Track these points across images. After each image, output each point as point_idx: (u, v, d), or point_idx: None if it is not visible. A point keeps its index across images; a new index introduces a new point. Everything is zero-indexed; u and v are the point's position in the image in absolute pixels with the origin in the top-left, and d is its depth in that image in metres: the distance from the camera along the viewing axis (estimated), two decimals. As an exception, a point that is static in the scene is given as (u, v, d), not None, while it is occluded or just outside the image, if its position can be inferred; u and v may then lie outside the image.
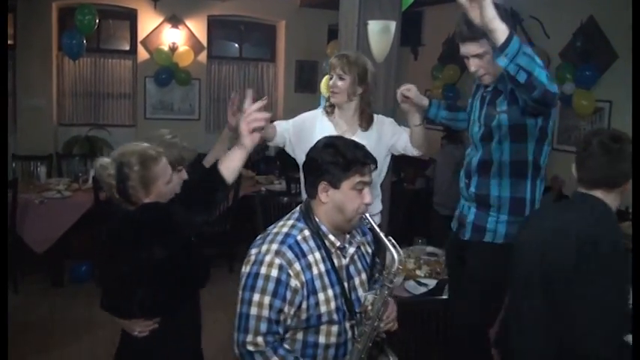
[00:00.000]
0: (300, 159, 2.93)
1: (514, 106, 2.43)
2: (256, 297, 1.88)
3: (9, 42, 7.59)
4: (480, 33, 2.27)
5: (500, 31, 2.00)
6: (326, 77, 3.45)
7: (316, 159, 1.99)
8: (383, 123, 3.14)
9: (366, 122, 3.06)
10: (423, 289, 3.15)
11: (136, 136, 8.18)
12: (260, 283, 1.88)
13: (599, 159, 2.00)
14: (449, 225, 2.92)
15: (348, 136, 2.76)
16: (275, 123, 3.17)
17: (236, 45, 9.14)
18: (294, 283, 1.88)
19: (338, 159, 1.93)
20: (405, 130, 3.10)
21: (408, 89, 2.83)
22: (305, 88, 9.02)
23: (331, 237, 2.01)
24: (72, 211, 5.34)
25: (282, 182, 6.40)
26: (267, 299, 1.87)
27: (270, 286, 1.87)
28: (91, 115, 8.22)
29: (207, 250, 5.91)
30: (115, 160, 2.12)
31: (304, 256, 1.94)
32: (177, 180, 2.32)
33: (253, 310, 1.88)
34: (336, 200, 1.96)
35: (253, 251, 1.95)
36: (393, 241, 1.99)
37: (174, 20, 8.14)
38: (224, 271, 5.96)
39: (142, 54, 8.18)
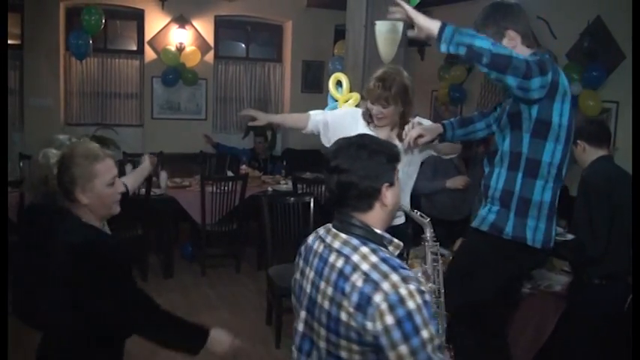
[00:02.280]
0: None
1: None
2: (425, 334, 1.56)
3: (16, 42, 7.65)
4: (482, 31, 2.43)
5: (434, 26, 2.24)
6: (334, 76, 3.47)
7: (371, 164, 1.70)
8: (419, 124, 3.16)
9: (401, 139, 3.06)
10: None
11: (143, 135, 8.22)
12: (417, 319, 1.56)
13: None
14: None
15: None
16: (311, 113, 3.19)
17: (243, 45, 9.15)
18: (429, 297, 1.67)
19: (386, 156, 1.75)
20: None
21: (419, 134, 2.81)
22: (311, 88, 9.04)
23: (395, 241, 1.81)
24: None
25: (288, 182, 6.40)
26: (431, 328, 1.59)
27: (425, 313, 1.58)
28: (98, 114, 8.23)
29: (213, 250, 6.00)
30: (60, 151, 2.07)
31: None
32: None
33: (429, 349, 1.57)
34: (394, 197, 1.76)
35: (378, 299, 1.56)
36: (417, 212, 2.15)
37: (182, 20, 8.17)
38: (231, 271, 6.00)
39: (149, 54, 8.21)
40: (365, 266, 1.63)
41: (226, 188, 5.80)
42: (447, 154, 3.13)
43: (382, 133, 3.09)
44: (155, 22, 8.13)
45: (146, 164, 3.19)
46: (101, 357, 2.17)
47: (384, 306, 1.55)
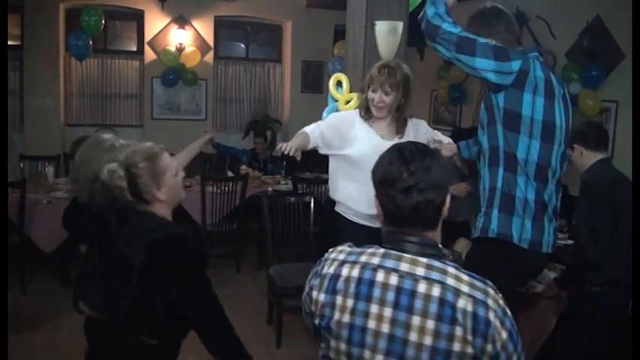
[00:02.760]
0: (339, 159, 3.15)
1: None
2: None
3: (16, 43, 7.67)
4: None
5: None
6: (334, 77, 3.48)
7: (443, 177, 1.59)
8: (418, 125, 3.22)
9: (402, 127, 3.13)
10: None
11: (143, 136, 8.24)
12: (515, 325, 1.55)
13: None
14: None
15: (387, 141, 2.93)
16: (307, 131, 3.17)
17: (242, 45, 9.18)
18: None
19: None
20: (438, 133, 3.24)
21: (434, 141, 3.07)
22: (311, 88, 9.06)
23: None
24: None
25: (288, 182, 6.42)
26: None
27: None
28: (98, 115, 8.27)
29: (214, 250, 5.99)
30: (121, 163, 2.12)
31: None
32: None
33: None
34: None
35: (492, 316, 1.50)
36: None
37: (181, 21, 8.19)
38: (232, 272, 6.01)
39: (149, 54, 8.23)
40: (465, 288, 1.51)
41: (227, 188, 5.81)
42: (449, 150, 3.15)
43: (381, 127, 3.12)
44: (155, 22, 8.16)
45: (195, 144, 3.20)
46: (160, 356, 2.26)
47: (497, 323, 1.49)
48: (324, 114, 3.54)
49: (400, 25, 3.12)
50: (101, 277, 2.17)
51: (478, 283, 1.53)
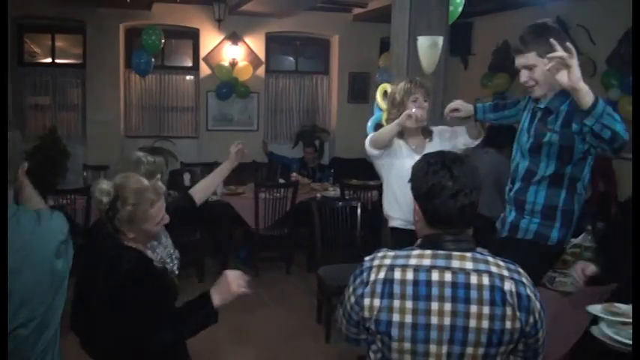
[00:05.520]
0: (386, 178, 3.37)
1: (567, 129, 2.62)
2: None
3: (79, 61, 8.21)
4: (528, 47, 2.62)
5: (585, 91, 2.30)
6: (381, 87, 3.67)
7: (475, 179, 1.80)
8: (440, 132, 3.46)
9: (428, 135, 3.39)
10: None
11: (198, 146, 8.62)
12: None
13: None
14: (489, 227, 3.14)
15: (419, 151, 3.19)
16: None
17: (292, 59, 9.49)
18: None
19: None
20: (458, 128, 3.42)
21: (455, 108, 3.17)
22: (358, 99, 9.30)
23: None
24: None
25: (336, 189, 6.62)
26: None
27: None
28: (156, 127, 8.69)
29: (265, 253, 6.25)
30: (113, 189, 2.10)
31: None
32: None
33: None
34: None
35: (530, 292, 1.73)
36: None
37: (235, 38, 8.56)
38: (282, 273, 6.28)
39: (204, 69, 8.62)
40: (505, 272, 1.71)
41: (278, 195, 6.09)
42: (475, 137, 3.37)
43: (414, 142, 3.37)
44: (209, 39, 8.55)
45: (227, 164, 3.13)
46: None
47: (533, 297, 1.71)
48: (369, 123, 3.73)
49: (440, 40, 3.33)
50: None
51: (511, 266, 1.74)
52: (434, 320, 1.68)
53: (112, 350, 2.16)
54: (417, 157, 2.79)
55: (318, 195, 6.50)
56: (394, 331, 1.70)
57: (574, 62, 2.28)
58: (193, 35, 8.62)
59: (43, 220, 1.78)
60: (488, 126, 3.50)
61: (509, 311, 1.67)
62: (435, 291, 1.69)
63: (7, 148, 1.69)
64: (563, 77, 2.32)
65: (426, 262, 1.72)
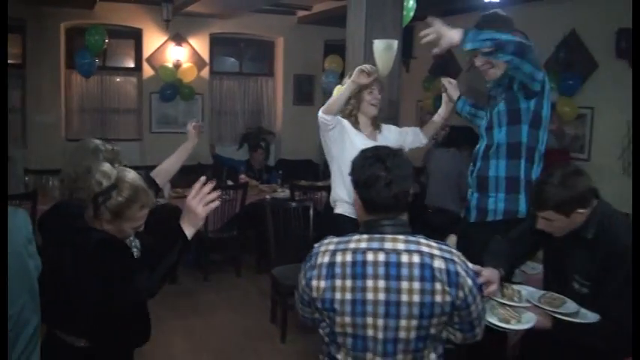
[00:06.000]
0: (337, 157, 3.43)
1: (510, 92, 2.86)
2: None
3: (18, 61, 7.91)
4: None
5: (456, 32, 2.63)
6: (337, 88, 3.75)
7: (408, 171, 1.99)
8: (389, 129, 3.61)
9: (378, 127, 3.53)
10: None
11: (141, 149, 8.47)
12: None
13: None
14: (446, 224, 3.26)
15: (371, 140, 3.32)
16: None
17: (236, 61, 9.47)
18: None
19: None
20: (409, 129, 3.60)
21: (450, 82, 3.43)
22: (303, 101, 9.37)
23: None
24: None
25: (285, 190, 6.66)
26: None
27: None
28: (98, 130, 8.42)
29: (214, 256, 6.21)
30: (115, 177, 2.10)
31: None
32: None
33: None
34: None
35: (460, 269, 1.89)
36: None
37: (179, 38, 8.47)
38: (232, 276, 6.25)
39: (147, 71, 8.48)
40: (436, 252, 1.89)
41: (227, 197, 6.05)
42: (430, 135, 3.62)
43: (367, 131, 3.49)
44: (153, 40, 8.43)
45: (187, 144, 3.16)
46: None
47: (463, 273, 1.89)
48: None
49: (395, 43, 3.42)
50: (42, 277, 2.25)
51: (444, 246, 1.93)
52: (370, 296, 1.88)
53: (95, 317, 2.14)
54: (370, 143, 2.88)
55: (268, 196, 6.51)
56: (337, 307, 1.91)
57: (439, 27, 2.67)
58: (136, 35, 8.47)
59: (8, 215, 1.76)
60: (449, 127, 3.75)
61: (438, 286, 1.85)
62: (369, 270, 1.89)
63: (7, 150, 1.67)
64: (436, 49, 2.73)
65: (363, 244, 1.93)
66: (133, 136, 8.69)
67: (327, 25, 8.69)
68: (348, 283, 1.90)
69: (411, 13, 4.01)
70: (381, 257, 1.89)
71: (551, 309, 2.28)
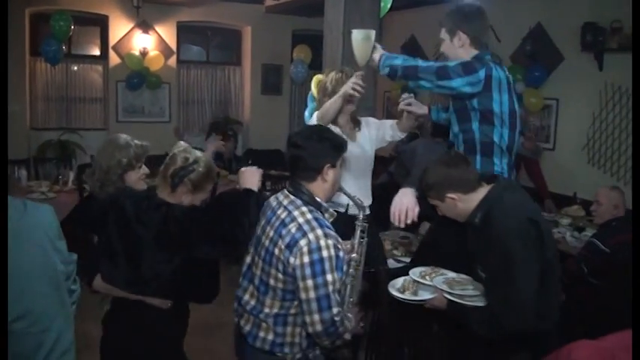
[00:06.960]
0: None
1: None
2: (329, 277, 2.16)
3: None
4: (442, 23, 2.98)
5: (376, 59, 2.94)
6: (315, 78, 3.78)
7: (318, 146, 2.31)
8: (367, 122, 3.59)
9: (358, 124, 3.50)
10: (400, 265, 3.64)
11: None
12: (327, 265, 2.15)
13: None
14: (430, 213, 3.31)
15: (350, 140, 3.28)
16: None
17: (203, 49, 9.41)
18: (342, 254, 2.24)
19: (332, 143, 2.36)
20: (386, 121, 3.59)
21: (409, 104, 3.35)
22: (271, 91, 9.38)
23: (330, 210, 2.42)
24: (58, 212, 5.52)
25: (255, 180, 6.63)
26: (335, 275, 2.18)
27: (334, 263, 2.18)
28: (63, 119, 8.32)
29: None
30: (194, 156, 2.43)
31: (335, 231, 2.29)
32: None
33: (330, 288, 2.16)
34: (335, 176, 2.37)
35: (303, 243, 2.17)
36: (357, 199, 2.53)
37: (145, 26, 8.35)
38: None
39: (114, 59, 8.35)
40: (300, 219, 2.23)
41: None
42: (406, 129, 3.56)
43: (345, 128, 3.47)
44: (119, 27, 8.29)
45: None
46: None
47: (305, 249, 2.16)
48: (307, 114, 3.82)
49: (373, 33, 3.43)
50: (125, 255, 2.47)
51: (314, 223, 2.22)
52: (259, 230, 2.37)
53: (183, 276, 2.44)
54: (350, 143, 2.95)
55: (238, 186, 6.44)
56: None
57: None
58: (102, 22, 8.34)
59: (30, 210, 1.77)
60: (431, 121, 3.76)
61: (280, 242, 2.21)
62: (267, 211, 2.38)
63: (6, 147, 1.68)
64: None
65: (280, 194, 2.40)
66: (99, 126, 8.57)
67: (295, 15, 8.70)
68: (260, 216, 2.42)
69: (389, 4, 4.05)
70: (274, 204, 2.37)
71: (445, 289, 2.42)
